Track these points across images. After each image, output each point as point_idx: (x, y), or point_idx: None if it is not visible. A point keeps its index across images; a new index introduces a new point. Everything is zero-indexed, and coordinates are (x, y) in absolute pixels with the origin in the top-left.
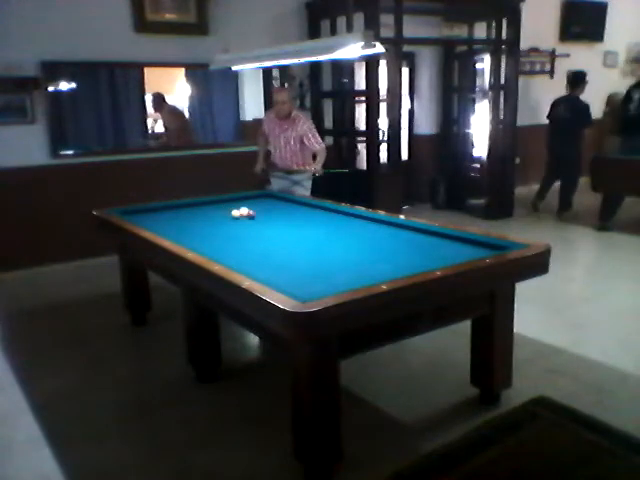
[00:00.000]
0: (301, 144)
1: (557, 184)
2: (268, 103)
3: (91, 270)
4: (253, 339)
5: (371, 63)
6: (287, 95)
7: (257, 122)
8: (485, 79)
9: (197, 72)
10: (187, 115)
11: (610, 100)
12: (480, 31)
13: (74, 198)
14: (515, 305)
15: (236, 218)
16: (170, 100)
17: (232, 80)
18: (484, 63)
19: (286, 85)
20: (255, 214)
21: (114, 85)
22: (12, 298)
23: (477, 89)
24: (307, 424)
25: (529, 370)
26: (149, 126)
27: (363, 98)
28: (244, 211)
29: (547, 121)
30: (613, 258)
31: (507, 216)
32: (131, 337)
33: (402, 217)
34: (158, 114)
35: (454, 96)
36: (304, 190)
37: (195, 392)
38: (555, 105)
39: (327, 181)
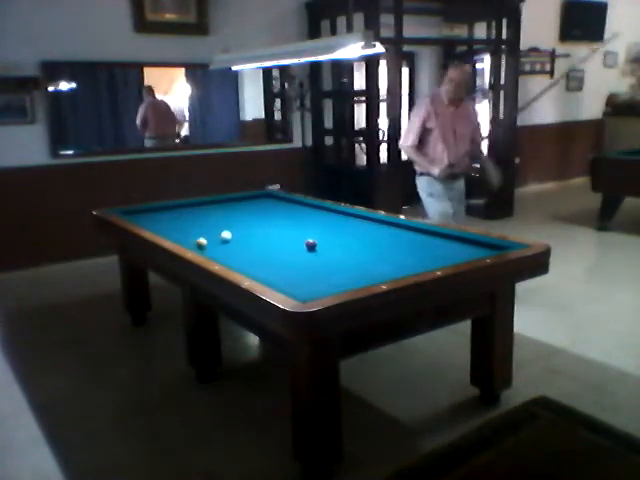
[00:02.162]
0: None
1: None
2: (269, 103)
3: (91, 270)
4: (253, 339)
5: (371, 63)
6: (466, 72)
7: (257, 122)
8: (485, 79)
9: (197, 72)
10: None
11: (610, 100)
12: (480, 31)
13: (74, 198)
14: (515, 305)
15: (201, 246)
16: (170, 100)
17: (232, 80)
18: (484, 63)
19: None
20: (316, 243)
21: (114, 85)
22: (12, 298)
23: (477, 89)
24: (307, 424)
25: (529, 370)
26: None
27: (363, 98)
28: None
29: (547, 121)
30: (613, 258)
31: (507, 216)
32: (131, 337)
33: (402, 217)
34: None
35: None
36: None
37: (195, 392)
38: None
39: (327, 181)
